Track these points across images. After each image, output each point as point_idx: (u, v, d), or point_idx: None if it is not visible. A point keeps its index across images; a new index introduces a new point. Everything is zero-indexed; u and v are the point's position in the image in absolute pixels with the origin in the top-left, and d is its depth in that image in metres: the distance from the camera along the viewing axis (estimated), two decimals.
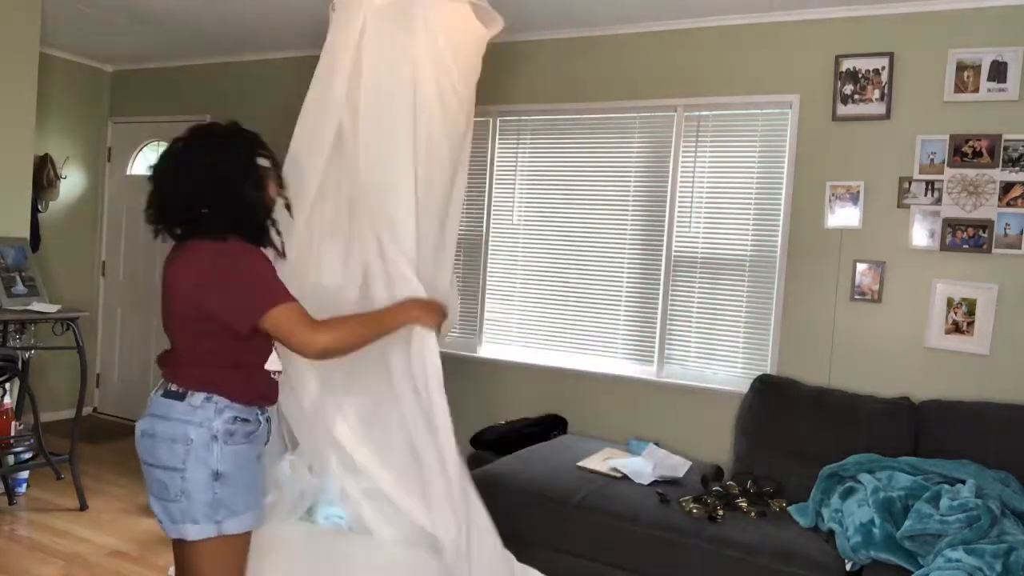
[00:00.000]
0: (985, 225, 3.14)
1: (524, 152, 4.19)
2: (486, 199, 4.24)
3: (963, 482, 2.60)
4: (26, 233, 4.01)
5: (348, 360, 1.92)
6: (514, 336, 4.23)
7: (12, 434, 3.75)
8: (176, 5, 4.06)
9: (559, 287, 4.10)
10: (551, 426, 3.89)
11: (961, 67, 3.17)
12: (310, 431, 2.23)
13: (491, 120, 4.19)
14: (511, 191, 4.21)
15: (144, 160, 5.59)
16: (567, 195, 4.06)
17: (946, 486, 2.58)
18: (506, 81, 4.05)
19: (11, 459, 3.81)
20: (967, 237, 3.17)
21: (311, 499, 2.30)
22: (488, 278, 4.25)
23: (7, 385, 3.79)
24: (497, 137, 4.23)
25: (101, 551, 3.33)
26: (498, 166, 4.24)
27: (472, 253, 4.23)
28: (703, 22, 3.66)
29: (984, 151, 3.14)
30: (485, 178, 4.23)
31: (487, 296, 4.27)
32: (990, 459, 2.83)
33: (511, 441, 3.63)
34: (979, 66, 3.14)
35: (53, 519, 3.64)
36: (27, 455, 3.85)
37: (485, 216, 4.24)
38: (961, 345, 3.18)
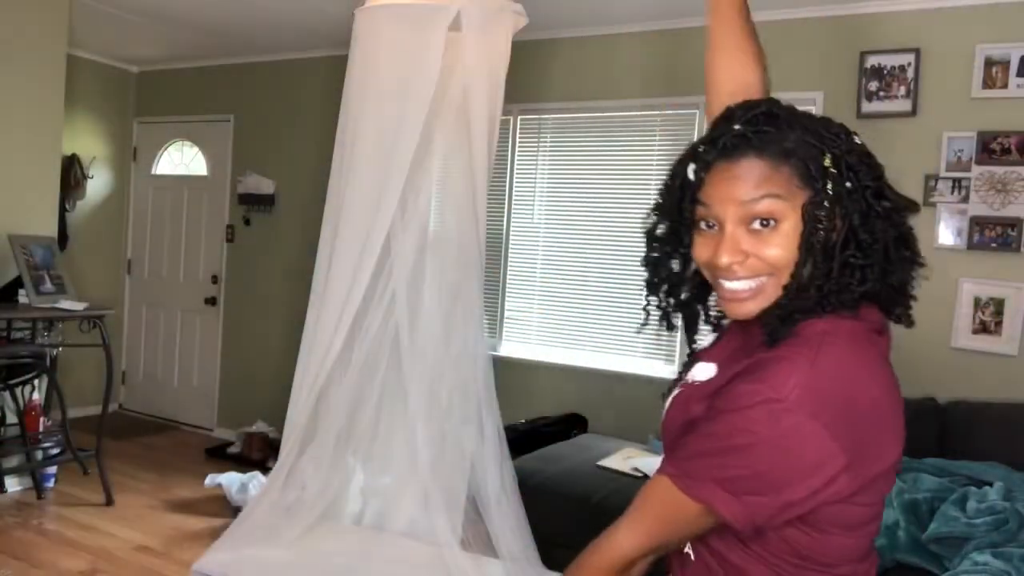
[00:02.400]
0: (1014, 223, 3.09)
1: (545, 150, 4.19)
2: (506, 197, 4.24)
3: (990, 484, 2.56)
4: (54, 232, 4.08)
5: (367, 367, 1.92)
6: (534, 335, 4.23)
7: (40, 430, 3.82)
8: (201, 6, 4.11)
9: (579, 286, 4.09)
10: (571, 425, 3.88)
11: (989, 63, 3.12)
12: (328, 427, 2.25)
13: (512, 118, 4.19)
14: (532, 189, 4.21)
15: (169, 160, 5.66)
16: (588, 194, 4.05)
17: (973, 488, 2.54)
18: (528, 79, 4.05)
19: (39, 454, 3.88)
20: (995, 235, 3.12)
21: (331, 494, 2.32)
22: (508, 277, 4.26)
23: (36, 382, 3.86)
24: (518, 135, 4.23)
25: (127, 546, 3.38)
26: (519, 164, 4.24)
27: (492, 252, 4.23)
28: None
29: (1013, 148, 3.09)
30: (505, 176, 4.23)
31: (507, 295, 4.27)
32: (1019, 461, 2.78)
33: (531, 440, 3.63)
34: (1008, 61, 3.09)
35: (80, 514, 3.70)
36: (55, 450, 3.91)
37: (505, 214, 4.24)
38: (988, 345, 3.13)
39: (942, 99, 3.22)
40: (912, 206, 0.97)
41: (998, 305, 3.12)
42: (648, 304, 1.13)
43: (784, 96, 1.03)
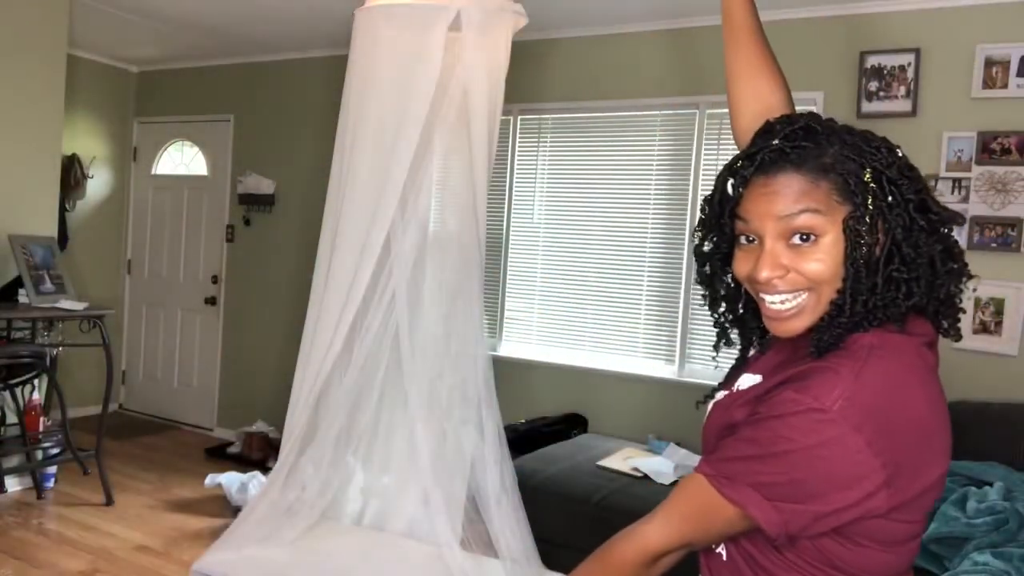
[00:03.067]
0: (1014, 224, 3.09)
1: (545, 150, 4.19)
2: (506, 197, 4.24)
3: (991, 484, 2.56)
4: (54, 232, 4.08)
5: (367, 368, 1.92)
6: (534, 335, 4.23)
7: (40, 429, 3.82)
8: (201, 6, 4.11)
9: (580, 286, 4.09)
10: (571, 425, 3.88)
11: (989, 63, 3.12)
12: (328, 427, 2.24)
13: (512, 118, 4.19)
14: (531, 189, 4.21)
15: (169, 160, 5.66)
16: (588, 193, 4.05)
17: (973, 488, 2.54)
18: (528, 79, 4.05)
19: (40, 454, 3.88)
20: (995, 236, 3.12)
21: (331, 494, 2.32)
22: (508, 277, 4.26)
23: (36, 382, 3.86)
24: (518, 135, 4.23)
25: (127, 545, 3.38)
26: (519, 164, 4.24)
27: (492, 252, 4.23)
28: None
29: (1013, 148, 3.09)
30: (505, 176, 4.23)
31: (507, 295, 4.27)
32: (1019, 461, 2.78)
33: (531, 440, 3.63)
34: (1008, 61, 3.09)
35: (80, 513, 3.70)
36: (55, 450, 3.91)
37: (505, 214, 4.24)
38: (989, 345, 3.13)
39: (942, 99, 3.22)
40: (956, 218, 0.96)
41: (998, 305, 3.12)
42: (715, 320, 1.12)
43: None
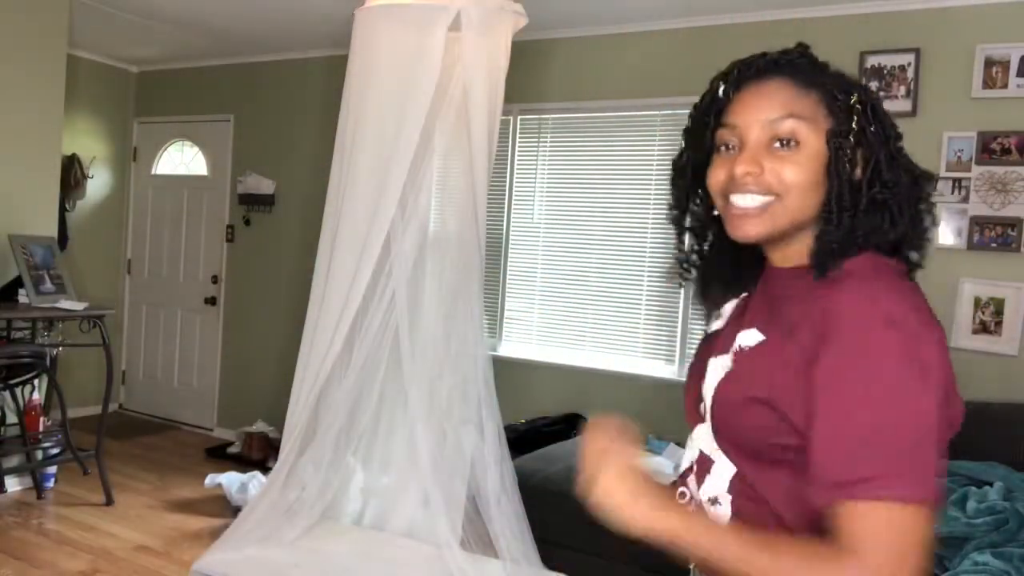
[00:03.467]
0: (1014, 224, 3.09)
1: (545, 150, 4.19)
2: (506, 197, 4.24)
3: (991, 484, 2.56)
4: (54, 232, 4.08)
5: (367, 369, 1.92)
6: (534, 335, 4.23)
7: (41, 429, 3.82)
8: (201, 6, 4.11)
9: (579, 286, 4.09)
10: (571, 425, 3.88)
11: (989, 63, 3.12)
12: (328, 427, 2.25)
13: (512, 118, 4.19)
14: (531, 189, 4.21)
15: (169, 160, 5.66)
16: (588, 193, 4.05)
17: (973, 488, 2.54)
18: (528, 79, 4.05)
19: (40, 454, 3.88)
20: (995, 236, 3.12)
21: (331, 494, 2.32)
22: (508, 277, 4.26)
23: (36, 382, 3.86)
24: (518, 135, 4.23)
25: (127, 545, 3.38)
26: (519, 164, 4.24)
27: (492, 252, 4.23)
28: (725, 19, 3.63)
29: (1013, 148, 3.09)
30: (506, 176, 4.23)
31: (507, 295, 4.27)
32: (1019, 461, 2.78)
33: (531, 440, 3.63)
34: (1008, 61, 3.09)
35: (80, 513, 3.70)
36: (55, 450, 3.91)
37: (505, 214, 4.24)
38: (989, 345, 3.13)
39: (942, 99, 3.22)
40: (929, 174, 0.98)
41: (998, 305, 3.12)
42: (680, 254, 1.09)
43: None
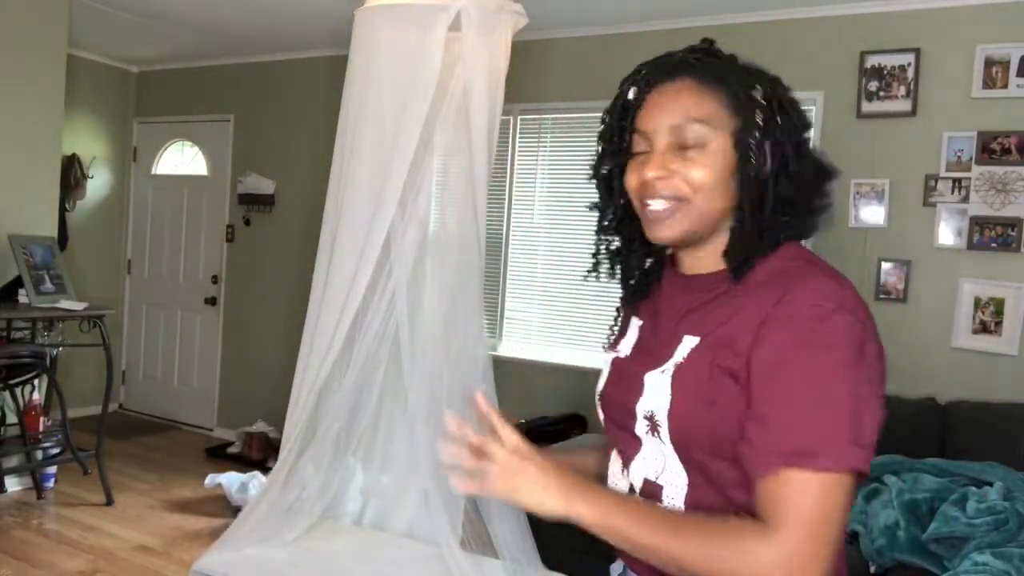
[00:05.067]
0: (1014, 224, 3.09)
1: (545, 150, 4.19)
2: (506, 197, 4.24)
3: (990, 484, 2.56)
4: (54, 232, 4.08)
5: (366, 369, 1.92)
6: (534, 334, 4.23)
7: (41, 429, 3.82)
8: (201, 6, 4.10)
9: (579, 286, 4.09)
10: (571, 425, 3.88)
11: (989, 63, 3.12)
12: (328, 427, 2.25)
13: (512, 118, 4.19)
14: (532, 189, 4.21)
15: (169, 160, 5.66)
16: (588, 193, 4.04)
17: (973, 488, 2.54)
18: (528, 79, 4.05)
19: (40, 454, 3.88)
20: (995, 236, 3.12)
21: (331, 494, 2.32)
22: (508, 277, 4.25)
23: (36, 382, 3.86)
24: (518, 135, 4.23)
25: (127, 545, 3.38)
26: (519, 164, 4.24)
27: (492, 252, 4.23)
28: (726, 19, 3.64)
29: (1013, 148, 3.09)
30: (506, 176, 4.23)
31: (507, 294, 4.27)
32: (1019, 461, 2.78)
33: (531, 440, 3.62)
34: (1008, 61, 3.09)
35: (80, 513, 3.70)
36: (55, 450, 3.91)
37: (505, 214, 4.24)
38: (989, 345, 3.13)
39: (942, 99, 3.22)
40: (833, 168, 0.99)
41: (998, 305, 3.12)
42: (598, 250, 1.18)
43: None
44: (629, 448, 1.01)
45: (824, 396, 0.84)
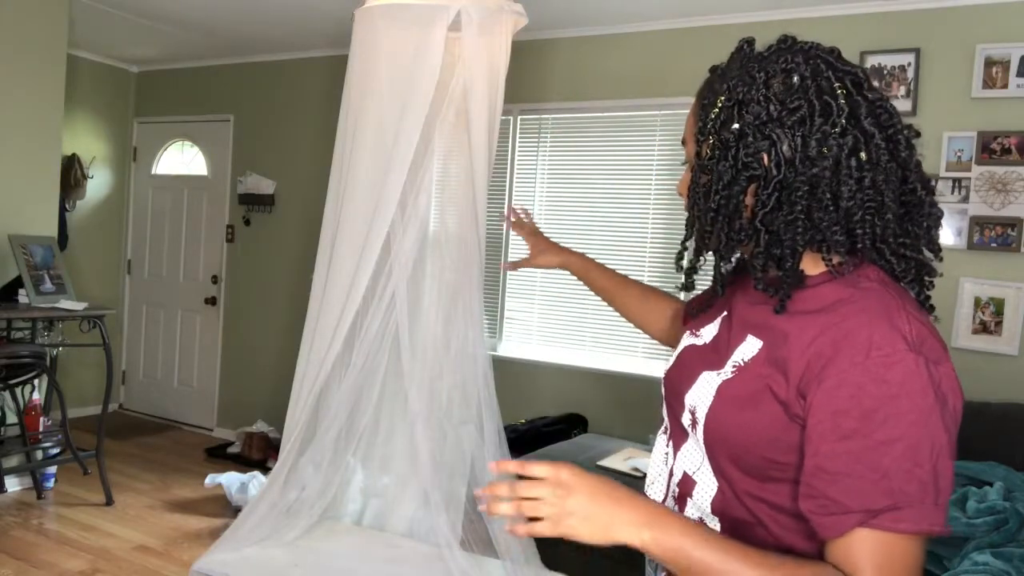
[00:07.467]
0: (1014, 223, 3.09)
1: (545, 150, 4.19)
2: (506, 197, 4.24)
3: (991, 484, 2.56)
4: (54, 232, 4.08)
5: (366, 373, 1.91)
6: (534, 335, 4.23)
7: (40, 429, 3.82)
8: (201, 6, 4.10)
9: (579, 286, 4.06)
10: (571, 425, 3.88)
11: (989, 63, 3.12)
12: (328, 427, 2.25)
13: (512, 118, 4.19)
14: (532, 189, 4.21)
15: (169, 160, 5.66)
16: (588, 193, 4.05)
17: (973, 488, 2.54)
18: (528, 79, 4.05)
19: (39, 454, 3.88)
20: (995, 235, 3.12)
21: (331, 494, 2.32)
22: (508, 277, 4.25)
23: (36, 382, 3.86)
24: (518, 135, 4.23)
25: (127, 545, 3.38)
26: (519, 164, 4.24)
27: (492, 252, 4.23)
28: (726, 19, 3.64)
29: (1013, 148, 3.09)
30: (506, 176, 4.23)
31: (507, 295, 4.27)
32: (1019, 461, 2.78)
33: (531, 440, 3.63)
34: (1008, 61, 3.09)
35: (80, 513, 3.70)
36: (55, 450, 3.91)
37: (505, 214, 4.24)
38: (989, 345, 3.13)
39: (942, 99, 3.22)
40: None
41: (998, 305, 3.12)
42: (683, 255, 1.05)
43: None
44: (678, 437, 1.01)
45: (901, 451, 0.78)
